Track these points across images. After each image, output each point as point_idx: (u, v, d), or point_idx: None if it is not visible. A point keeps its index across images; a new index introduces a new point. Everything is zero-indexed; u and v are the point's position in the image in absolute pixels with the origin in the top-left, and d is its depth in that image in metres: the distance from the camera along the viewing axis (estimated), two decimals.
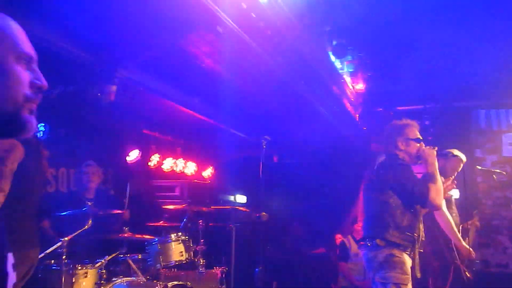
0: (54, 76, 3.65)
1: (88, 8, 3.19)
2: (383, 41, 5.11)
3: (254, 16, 3.52)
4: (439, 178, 3.13)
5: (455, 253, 3.89)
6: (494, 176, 4.21)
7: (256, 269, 4.67)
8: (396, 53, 5.17)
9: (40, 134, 4.60)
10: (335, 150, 6.07)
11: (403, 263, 3.00)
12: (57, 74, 3.70)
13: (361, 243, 3.24)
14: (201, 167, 6.98)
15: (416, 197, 3.07)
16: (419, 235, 3.12)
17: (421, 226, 3.19)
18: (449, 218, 3.86)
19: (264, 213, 4.16)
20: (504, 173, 5.64)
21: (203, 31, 3.62)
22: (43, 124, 4.57)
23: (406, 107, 6.26)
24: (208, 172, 7.14)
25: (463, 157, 3.96)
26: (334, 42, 4.86)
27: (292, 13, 3.76)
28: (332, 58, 4.82)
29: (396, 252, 3.01)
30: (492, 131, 6.41)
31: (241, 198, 7.11)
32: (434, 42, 4.80)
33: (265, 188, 4.41)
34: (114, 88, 3.80)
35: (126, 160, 6.03)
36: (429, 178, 3.12)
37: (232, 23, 3.45)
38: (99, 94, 3.91)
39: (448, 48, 4.98)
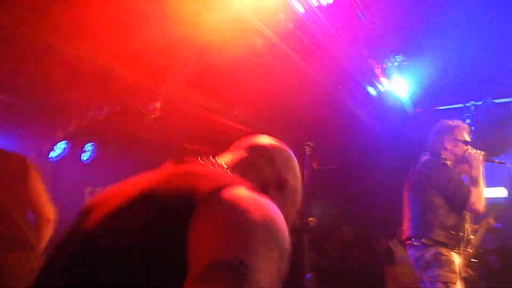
0: (101, 96, 3.84)
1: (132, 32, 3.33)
2: (422, 42, 5.09)
3: (291, 25, 3.58)
4: (482, 183, 3.11)
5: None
6: None
7: (307, 275, 4.66)
8: (434, 51, 5.12)
9: (87, 154, 4.79)
10: (376, 152, 6.02)
11: (451, 261, 2.99)
12: (104, 94, 3.88)
13: (408, 242, 3.23)
14: None
15: (457, 199, 3.08)
16: (464, 234, 3.11)
17: (467, 225, 3.17)
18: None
19: (311, 218, 4.17)
20: None
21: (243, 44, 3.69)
22: (91, 144, 4.75)
23: (446, 106, 6.16)
24: None
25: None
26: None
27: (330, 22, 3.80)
28: (372, 61, 4.82)
29: (443, 250, 3.01)
30: None
31: None
32: (474, 36, 4.75)
33: (309, 194, 4.42)
34: (158, 104, 3.92)
35: None
36: (472, 182, 3.11)
37: (269, 33, 3.52)
38: (143, 111, 4.05)
39: (487, 43, 4.90)
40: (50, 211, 2.41)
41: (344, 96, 5.05)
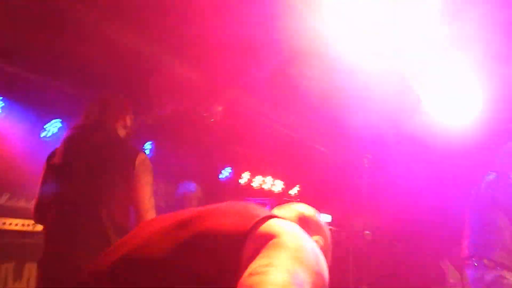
0: (167, 95, 3.95)
1: (198, 30, 3.42)
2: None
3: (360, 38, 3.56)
4: None
5: None
6: None
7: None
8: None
9: (147, 152, 4.94)
10: (436, 169, 5.85)
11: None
12: (169, 94, 3.99)
13: (467, 262, 3.11)
14: (288, 185, 7.06)
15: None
16: None
17: None
18: None
19: (367, 232, 4.13)
20: None
21: (307, 54, 3.72)
22: (151, 142, 4.90)
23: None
24: (295, 190, 7.20)
25: None
26: None
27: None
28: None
29: (505, 274, 2.88)
30: None
31: (326, 217, 7.07)
32: None
33: (360, 207, 4.38)
34: (220, 108, 3.99)
35: (218, 177, 6.27)
36: None
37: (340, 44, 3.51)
38: (204, 114, 4.13)
39: None
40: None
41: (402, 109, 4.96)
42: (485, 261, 2.94)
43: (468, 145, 5.94)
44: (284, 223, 0.95)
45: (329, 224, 6.61)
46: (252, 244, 0.86)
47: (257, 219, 0.93)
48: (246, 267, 0.81)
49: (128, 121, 2.46)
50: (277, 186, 6.91)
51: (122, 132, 2.40)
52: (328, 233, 1.40)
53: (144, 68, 3.69)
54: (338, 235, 6.35)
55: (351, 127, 4.93)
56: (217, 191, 6.25)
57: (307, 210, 1.43)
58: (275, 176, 6.82)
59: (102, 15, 3.07)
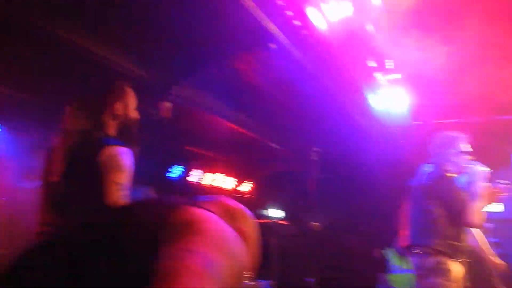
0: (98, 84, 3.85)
1: (147, 27, 3.39)
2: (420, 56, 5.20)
3: (305, 33, 3.66)
4: (482, 198, 3.14)
5: (491, 271, 3.86)
6: None
7: (308, 279, 4.71)
8: (435, 67, 5.24)
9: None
10: (376, 162, 6.09)
11: (450, 271, 3.03)
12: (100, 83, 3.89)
13: (409, 250, 3.27)
14: (240, 181, 7.10)
15: (456, 212, 3.11)
16: (464, 245, 3.16)
17: (466, 236, 3.21)
18: (483, 237, 3.85)
19: (316, 223, 4.23)
20: None
21: (255, 48, 3.77)
22: None
23: (447, 120, 6.25)
24: (247, 187, 7.24)
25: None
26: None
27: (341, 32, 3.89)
28: (376, 74, 4.91)
29: (443, 260, 3.05)
30: None
31: (278, 213, 7.17)
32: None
33: (310, 201, 4.49)
34: (169, 105, 3.95)
35: (167, 176, 6.20)
36: (471, 196, 3.14)
37: (284, 39, 3.59)
38: (153, 111, 4.07)
39: (487, 65, 5.04)
40: None
41: (350, 106, 5.13)
42: (425, 249, 3.10)
43: (408, 139, 6.25)
44: (201, 211, 0.97)
45: (282, 219, 6.72)
46: (169, 230, 0.89)
47: (175, 206, 0.95)
48: (163, 253, 0.83)
49: (119, 109, 2.19)
50: (229, 183, 6.92)
51: (110, 124, 2.17)
52: (253, 224, 1.36)
53: (87, 65, 3.60)
54: (289, 229, 6.47)
55: (299, 121, 5.05)
56: (166, 190, 6.18)
57: (230, 201, 1.41)
58: (226, 174, 6.83)
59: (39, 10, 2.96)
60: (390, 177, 5.97)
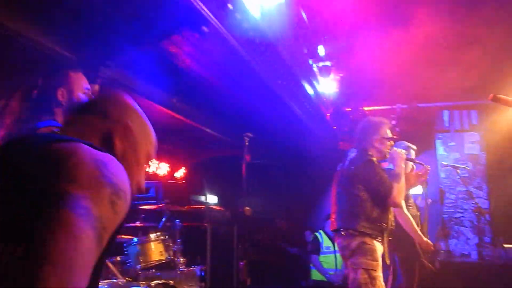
0: (35, 72, 3.59)
1: (71, 4, 3.18)
2: (352, 44, 5.37)
3: (238, 17, 3.61)
4: (403, 179, 3.34)
5: (418, 249, 4.12)
6: (457, 171, 4.48)
7: (240, 263, 4.75)
8: (364, 56, 5.43)
9: None
10: (309, 148, 6.24)
11: (373, 250, 3.19)
12: (37, 71, 3.64)
13: (336, 233, 3.40)
14: (174, 167, 6.97)
15: (380, 194, 3.27)
16: (387, 225, 3.33)
17: (390, 216, 3.39)
18: (409, 216, 4.06)
19: (247, 208, 4.25)
20: (467, 168, 6.02)
21: (188, 31, 3.67)
22: None
23: (374, 107, 6.53)
24: (180, 173, 7.14)
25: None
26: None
27: (275, 18, 3.88)
28: (309, 60, 4.98)
29: (367, 240, 3.21)
30: (455, 130, 6.85)
31: (212, 198, 7.14)
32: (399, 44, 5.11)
33: (243, 186, 4.50)
34: (96, 87, 3.75)
35: None
36: (394, 178, 3.33)
37: (217, 23, 3.52)
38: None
39: (413, 54, 5.30)
40: None
41: (284, 92, 5.17)
42: (351, 231, 3.24)
43: (339, 125, 6.46)
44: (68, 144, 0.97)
45: (216, 204, 6.70)
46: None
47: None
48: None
49: (63, 95, 2.04)
50: (162, 169, 6.78)
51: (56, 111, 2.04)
52: (136, 113, 1.28)
53: (8, 47, 3.32)
54: (223, 215, 6.48)
55: (233, 107, 5.02)
56: None
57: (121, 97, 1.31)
58: (160, 159, 6.67)
59: None
60: (323, 162, 6.15)
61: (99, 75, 3.73)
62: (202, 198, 7.10)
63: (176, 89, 4.95)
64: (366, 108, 6.80)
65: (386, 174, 3.38)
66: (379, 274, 3.19)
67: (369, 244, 3.20)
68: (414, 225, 4.06)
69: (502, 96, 2.01)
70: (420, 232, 4.12)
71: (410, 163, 4.04)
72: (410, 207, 4.27)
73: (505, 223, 6.49)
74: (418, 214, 4.44)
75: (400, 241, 4.26)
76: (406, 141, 4.59)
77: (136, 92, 4.51)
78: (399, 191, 3.27)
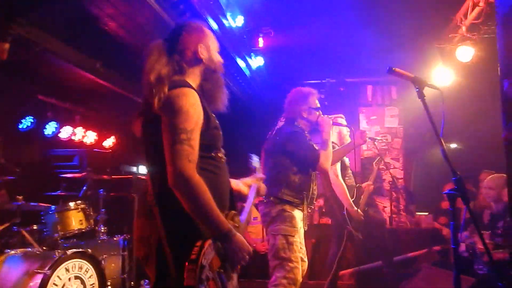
0: None
1: None
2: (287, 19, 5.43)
3: None
4: (330, 146, 3.42)
5: (347, 218, 4.34)
6: (375, 143, 4.68)
7: None
8: (297, 30, 5.51)
9: None
10: (240, 117, 6.26)
11: (292, 217, 3.29)
12: None
13: (259, 200, 3.48)
14: (102, 136, 6.76)
15: (308, 162, 3.34)
16: (309, 193, 3.42)
17: (313, 185, 3.48)
18: (344, 186, 4.22)
19: None
20: (385, 140, 6.33)
21: None
22: None
23: (305, 81, 6.67)
24: (109, 142, 6.94)
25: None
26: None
27: None
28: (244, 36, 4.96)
29: (287, 207, 3.29)
30: (377, 104, 7.19)
31: (143, 169, 7.04)
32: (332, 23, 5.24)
33: None
34: (6, 46, 3.52)
35: (18, 127, 5.64)
36: (322, 144, 3.42)
37: None
38: None
39: (343, 30, 5.46)
40: None
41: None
42: (272, 198, 3.31)
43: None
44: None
45: (145, 175, 6.60)
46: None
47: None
48: None
49: (202, 52, 2.03)
50: (89, 137, 6.55)
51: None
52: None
53: None
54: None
55: None
56: (18, 142, 5.65)
57: None
58: (86, 127, 6.44)
59: None
60: (256, 136, 6.22)
61: (9, 32, 3.51)
62: (134, 169, 6.99)
63: (101, 53, 4.78)
64: (298, 82, 6.92)
65: (312, 142, 3.48)
66: (297, 239, 3.30)
67: (288, 212, 3.28)
68: (347, 194, 4.21)
69: (397, 69, 2.11)
70: (352, 202, 4.32)
71: (345, 128, 4.22)
72: (347, 178, 4.41)
73: (417, 192, 6.99)
74: (355, 185, 4.63)
75: (333, 208, 4.48)
76: (333, 113, 4.75)
77: (53, 53, 4.30)
78: (326, 157, 3.34)
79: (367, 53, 5.83)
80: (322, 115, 3.54)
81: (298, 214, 3.36)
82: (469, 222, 4.24)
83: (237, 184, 2.31)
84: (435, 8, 5.01)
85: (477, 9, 4.65)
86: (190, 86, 1.89)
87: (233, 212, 2.00)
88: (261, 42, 5.84)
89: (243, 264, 1.88)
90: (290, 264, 3.24)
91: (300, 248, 3.51)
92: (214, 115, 1.98)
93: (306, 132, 3.51)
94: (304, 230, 3.51)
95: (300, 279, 3.32)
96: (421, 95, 2.03)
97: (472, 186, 5.50)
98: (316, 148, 3.41)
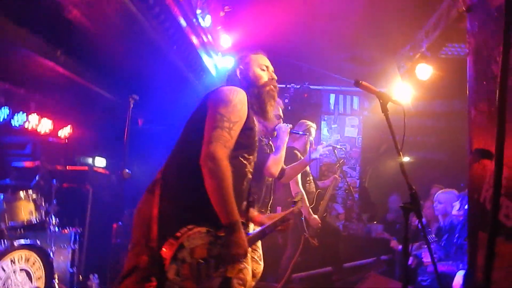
0: None
1: None
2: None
3: None
4: (282, 152, 3.47)
5: (304, 225, 4.43)
6: (335, 151, 4.81)
7: (120, 223, 4.66)
8: (263, 35, 5.56)
9: None
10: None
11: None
12: None
13: None
14: (57, 125, 6.54)
15: (258, 167, 3.44)
16: (260, 196, 3.48)
17: (264, 188, 3.54)
18: (302, 191, 4.32)
19: (126, 170, 4.17)
20: (343, 149, 6.49)
21: None
22: None
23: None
24: (65, 131, 6.72)
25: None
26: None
27: None
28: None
29: None
30: (338, 113, 7.35)
31: (100, 161, 6.86)
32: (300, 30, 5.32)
33: (129, 150, 4.39)
34: None
35: None
36: (274, 150, 3.52)
37: None
38: None
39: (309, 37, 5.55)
40: None
41: (176, 57, 5.10)
42: None
43: None
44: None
45: (102, 167, 6.45)
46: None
47: None
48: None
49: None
50: (44, 125, 6.32)
51: None
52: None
53: None
54: (108, 178, 6.29)
55: (121, 66, 4.82)
56: None
57: None
58: (42, 115, 6.21)
59: None
60: None
61: None
62: (89, 160, 6.80)
63: (61, 41, 4.62)
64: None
65: (266, 147, 3.56)
66: None
67: None
68: (306, 202, 4.33)
69: (363, 83, 2.17)
70: (309, 209, 4.42)
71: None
72: (307, 184, 4.52)
73: (370, 203, 7.21)
74: (316, 191, 4.73)
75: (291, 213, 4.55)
76: (296, 118, 4.85)
77: (12, 38, 4.13)
78: (274, 161, 3.40)
79: (332, 62, 5.96)
80: (281, 123, 3.64)
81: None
82: (418, 235, 4.42)
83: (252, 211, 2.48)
84: (397, 25, 5.19)
85: (438, 30, 4.85)
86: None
87: (241, 221, 2.02)
88: (227, 42, 5.85)
89: (233, 263, 1.92)
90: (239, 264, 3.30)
91: (255, 250, 3.57)
92: (254, 120, 2.18)
93: (262, 136, 3.58)
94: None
95: (249, 279, 3.36)
96: (384, 110, 2.10)
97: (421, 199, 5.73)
98: (266, 153, 3.49)
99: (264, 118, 2.28)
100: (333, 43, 5.58)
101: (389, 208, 6.47)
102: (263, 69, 2.35)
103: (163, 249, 1.70)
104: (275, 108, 3.66)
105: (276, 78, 2.38)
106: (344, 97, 7.30)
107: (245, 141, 2.08)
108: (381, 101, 2.13)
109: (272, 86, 2.32)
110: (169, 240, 1.72)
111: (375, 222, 6.63)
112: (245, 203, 2.20)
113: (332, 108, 7.36)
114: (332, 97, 7.34)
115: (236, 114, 1.98)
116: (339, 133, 7.30)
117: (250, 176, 2.18)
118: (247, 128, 2.08)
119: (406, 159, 7.20)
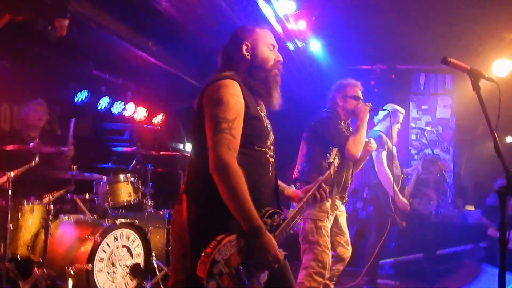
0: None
1: None
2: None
3: None
4: (363, 132, 3.43)
5: (392, 206, 4.32)
6: (425, 134, 4.62)
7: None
8: (347, 15, 5.38)
9: None
10: (291, 107, 6.24)
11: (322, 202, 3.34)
12: (3, 2, 3.57)
13: (292, 184, 3.54)
14: (151, 113, 6.96)
15: (335, 145, 3.36)
16: (340, 181, 3.44)
17: (345, 173, 3.48)
18: (389, 175, 4.27)
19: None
20: (435, 131, 6.14)
21: None
22: None
23: (356, 66, 6.54)
24: (158, 119, 7.13)
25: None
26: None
27: None
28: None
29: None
30: (429, 93, 6.94)
31: (190, 147, 7.20)
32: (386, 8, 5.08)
33: None
34: (66, 22, 3.68)
35: (73, 100, 5.91)
36: (354, 130, 3.48)
37: None
38: (49, 27, 3.77)
39: (395, 14, 5.28)
40: None
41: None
42: (303, 183, 3.33)
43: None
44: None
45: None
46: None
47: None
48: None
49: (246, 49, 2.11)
50: (139, 113, 6.76)
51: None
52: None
53: None
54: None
55: (206, 54, 4.94)
56: (72, 115, 5.93)
57: None
58: (137, 103, 6.65)
59: None
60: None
61: (68, 9, 3.65)
62: (181, 146, 7.18)
63: (154, 32, 4.88)
64: (349, 67, 6.78)
65: (346, 129, 3.52)
66: (326, 224, 3.39)
67: None
68: (392, 182, 4.28)
69: (452, 60, 2.04)
70: (398, 191, 4.33)
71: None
72: (394, 167, 4.46)
73: (466, 186, 6.76)
74: (402, 176, 4.64)
75: (377, 196, 4.50)
76: (382, 101, 4.70)
77: (108, 30, 4.44)
78: (354, 142, 3.38)
79: (421, 39, 5.62)
80: (360, 104, 3.56)
81: (327, 200, 3.35)
82: None
83: (288, 190, 2.39)
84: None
85: None
86: (233, 79, 1.95)
87: (273, 210, 1.96)
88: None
89: (267, 268, 1.83)
90: (318, 247, 3.33)
91: (341, 235, 3.56)
92: (257, 107, 2.02)
93: (342, 119, 3.57)
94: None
95: (329, 263, 3.36)
96: (476, 88, 1.95)
97: None
98: (345, 134, 3.46)
99: (269, 103, 2.11)
100: (424, 19, 5.24)
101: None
102: (270, 49, 2.12)
103: (198, 269, 1.69)
104: (351, 91, 3.60)
105: (282, 59, 2.15)
106: (435, 76, 6.86)
107: (253, 131, 1.95)
108: (472, 78, 1.98)
109: (277, 71, 2.13)
110: (202, 258, 1.69)
111: (472, 207, 6.24)
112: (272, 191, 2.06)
113: (422, 88, 6.96)
114: (422, 76, 6.94)
115: (232, 111, 1.85)
116: (430, 114, 6.90)
117: (273, 160, 2.04)
118: (251, 118, 1.94)
119: (510, 139, 6.69)
